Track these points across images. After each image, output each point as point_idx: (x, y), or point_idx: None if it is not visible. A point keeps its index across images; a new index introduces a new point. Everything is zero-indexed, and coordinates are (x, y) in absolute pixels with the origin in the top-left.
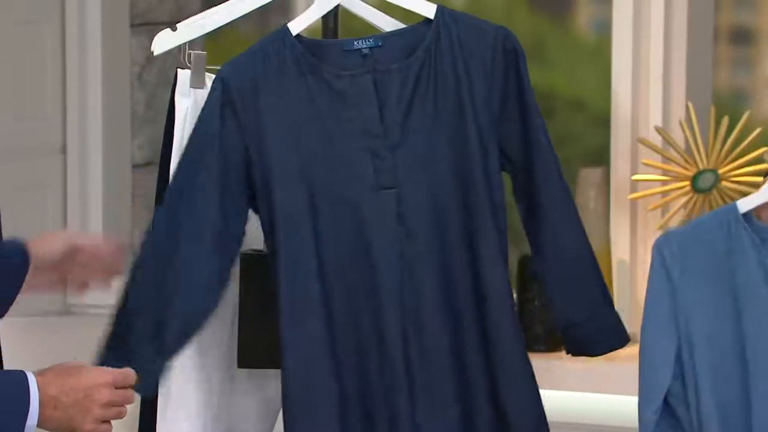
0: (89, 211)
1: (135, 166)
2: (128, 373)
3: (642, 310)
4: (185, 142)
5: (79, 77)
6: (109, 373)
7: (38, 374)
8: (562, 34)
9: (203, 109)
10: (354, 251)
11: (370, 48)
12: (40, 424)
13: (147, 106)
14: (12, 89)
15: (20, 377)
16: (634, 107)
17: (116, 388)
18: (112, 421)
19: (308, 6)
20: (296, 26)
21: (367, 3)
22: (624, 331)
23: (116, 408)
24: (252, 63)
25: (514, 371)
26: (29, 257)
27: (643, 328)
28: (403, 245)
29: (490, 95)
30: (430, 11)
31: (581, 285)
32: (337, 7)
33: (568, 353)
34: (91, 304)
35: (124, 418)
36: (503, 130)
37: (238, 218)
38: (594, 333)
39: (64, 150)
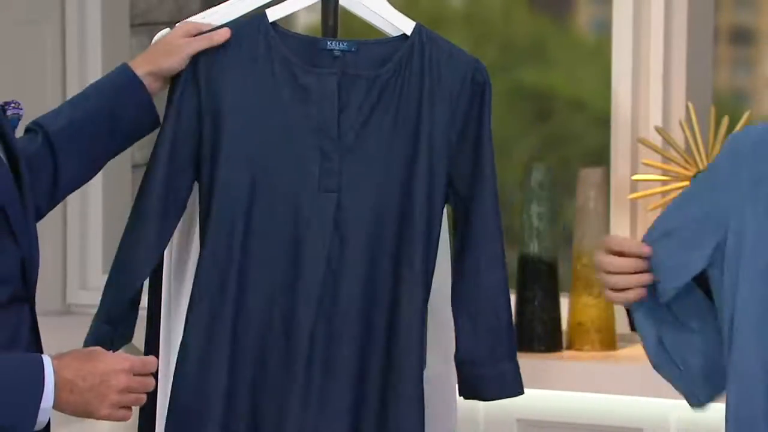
0: (89, 212)
1: (134, 166)
2: (147, 361)
3: None
4: None
5: (79, 77)
6: (128, 360)
7: (55, 357)
8: (562, 34)
9: (174, 80)
10: (282, 247)
11: (342, 51)
12: (55, 407)
13: None
14: (11, 89)
15: (36, 360)
16: (634, 107)
17: (135, 374)
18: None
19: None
20: (274, 13)
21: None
22: (520, 383)
23: (134, 395)
24: (225, 41)
25: (407, 396)
26: (143, 85)
27: (686, 200)
28: (333, 251)
29: (450, 122)
30: (408, 27)
31: (490, 327)
32: (336, 6)
33: (460, 394)
34: (92, 304)
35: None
36: (456, 160)
37: (182, 187)
38: (491, 377)
39: None
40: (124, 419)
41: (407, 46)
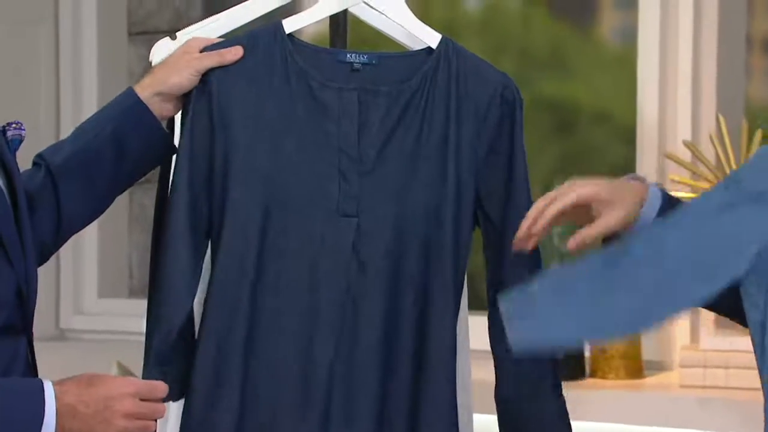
0: (83, 233)
1: None
2: (155, 386)
3: (667, 334)
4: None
5: (74, 89)
6: (133, 384)
7: (57, 383)
8: (584, 42)
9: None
10: (298, 273)
11: (362, 64)
12: None
13: None
14: (3, 101)
15: (37, 385)
16: (661, 120)
17: (142, 399)
18: None
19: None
20: (290, 25)
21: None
22: (568, 423)
23: (142, 421)
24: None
25: None
26: (149, 110)
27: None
28: (352, 277)
29: (478, 140)
30: (433, 40)
31: (533, 360)
32: (346, 15)
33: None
34: (86, 329)
35: None
36: (486, 183)
37: (205, 210)
38: (534, 414)
39: None
40: None
41: (433, 60)
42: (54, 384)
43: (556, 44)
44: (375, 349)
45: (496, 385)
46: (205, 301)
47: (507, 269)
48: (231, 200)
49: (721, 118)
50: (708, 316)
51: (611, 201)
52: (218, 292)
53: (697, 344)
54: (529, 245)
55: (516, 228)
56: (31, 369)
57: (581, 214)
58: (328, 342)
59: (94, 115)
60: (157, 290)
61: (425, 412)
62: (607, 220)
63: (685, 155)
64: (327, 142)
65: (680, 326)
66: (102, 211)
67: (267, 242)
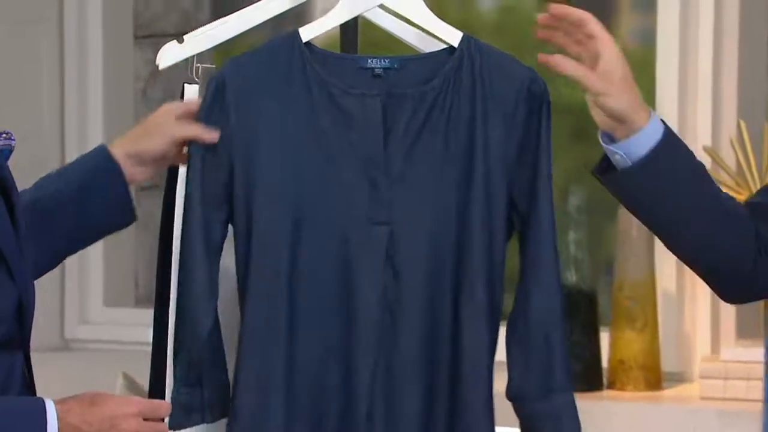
0: None
1: (138, 189)
2: (159, 405)
3: (688, 344)
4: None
5: (78, 93)
6: (137, 404)
7: (59, 402)
8: None
9: (199, 108)
10: (332, 287)
11: (384, 69)
12: None
13: None
14: (5, 106)
15: (39, 405)
16: (681, 125)
17: (144, 419)
18: None
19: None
20: (308, 33)
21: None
22: (577, 422)
23: None
24: (255, 64)
25: None
26: (119, 169)
27: None
28: (387, 288)
29: (507, 139)
30: (455, 39)
31: (542, 359)
32: (357, 19)
33: None
34: (92, 339)
35: None
36: (516, 179)
37: (218, 229)
38: (544, 413)
39: None
40: None
41: (455, 60)
42: (56, 403)
43: None
44: (415, 359)
45: (508, 384)
46: (242, 324)
47: (526, 269)
48: (257, 220)
49: (742, 123)
50: (729, 327)
51: (619, 82)
52: (254, 314)
53: (718, 355)
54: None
55: (537, 225)
56: (28, 384)
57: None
58: (367, 354)
59: (62, 167)
60: (180, 311)
61: (463, 426)
62: (588, 78)
63: (706, 161)
64: (352, 150)
65: (700, 337)
66: (53, 266)
67: (299, 260)
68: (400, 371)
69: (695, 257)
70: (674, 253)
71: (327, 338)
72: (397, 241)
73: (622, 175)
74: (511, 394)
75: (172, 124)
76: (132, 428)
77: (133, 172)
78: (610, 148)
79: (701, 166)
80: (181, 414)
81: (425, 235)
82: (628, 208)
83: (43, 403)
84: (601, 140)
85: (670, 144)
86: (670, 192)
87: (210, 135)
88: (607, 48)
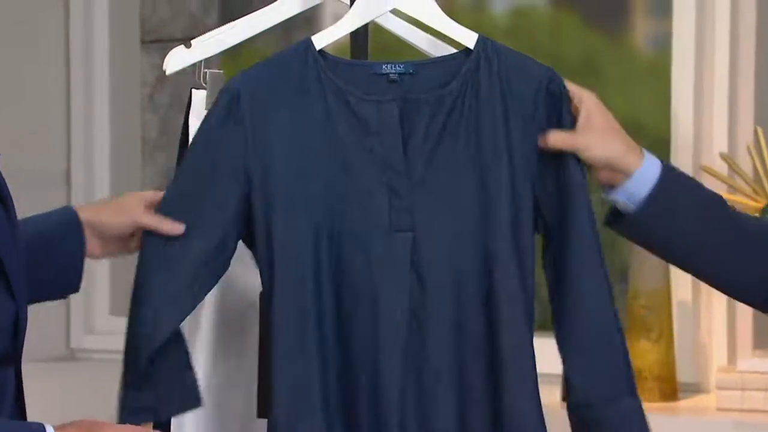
0: None
1: None
2: None
3: (704, 354)
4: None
5: (84, 99)
6: (134, 431)
7: (58, 428)
8: (616, 50)
9: (205, 120)
10: (357, 298)
11: (399, 74)
12: None
13: (159, 131)
14: (9, 113)
15: (38, 430)
16: (697, 131)
17: None
18: None
19: (336, 20)
20: (321, 40)
21: (402, 19)
22: (646, 424)
23: None
24: (269, 75)
25: None
26: (82, 235)
27: None
28: (413, 296)
29: (528, 139)
30: (470, 40)
31: (607, 361)
32: (367, 24)
33: None
34: (98, 349)
35: None
36: (541, 182)
37: (227, 247)
38: (612, 418)
39: (67, 180)
40: None
41: (472, 62)
42: (56, 429)
43: (587, 52)
44: (446, 367)
45: (567, 393)
46: (273, 340)
47: (573, 271)
48: (277, 237)
49: (759, 129)
50: (745, 337)
51: (601, 133)
52: (284, 330)
53: (735, 366)
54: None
55: (577, 227)
56: (19, 399)
57: None
58: (394, 364)
59: (25, 218)
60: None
61: (509, 421)
62: (568, 140)
63: (722, 168)
64: (371, 158)
65: (717, 347)
66: None
67: (323, 276)
68: (431, 380)
69: (721, 284)
70: (704, 281)
71: (357, 352)
72: (421, 248)
73: (629, 220)
74: (574, 401)
75: (139, 209)
76: None
77: (90, 244)
78: (611, 196)
79: (711, 195)
80: (127, 415)
81: (449, 241)
82: (647, 249)
83: (44, 429)
84: (602, 192)
85: (670, 179)
86: (679, 227)
87: (169, 226)
88: (584, 102)
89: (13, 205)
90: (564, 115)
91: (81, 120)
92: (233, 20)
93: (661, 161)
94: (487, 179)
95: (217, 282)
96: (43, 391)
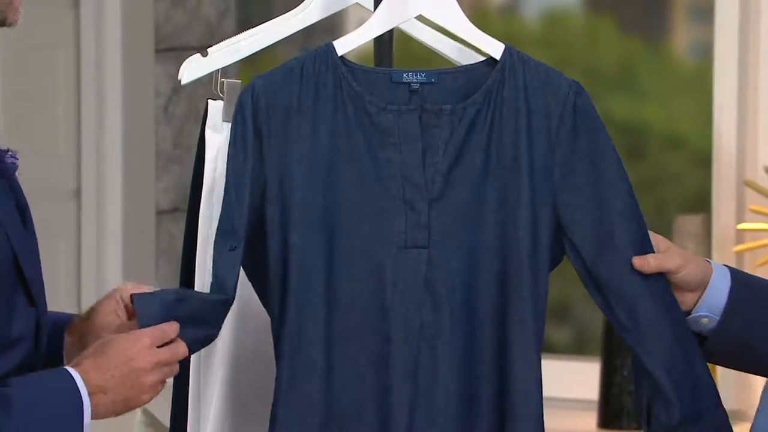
0: (106, 264)
1: (159, 213)
2: (166, 328)
3: (747, 381)
4: (217, 183)
5: (96, 110)
6: (144, 335)
7: (75, 365)
8: (656, 60)
9: (233, 132)
10: (368, 315)
11: (420, 83)
12: (95, 417)
13: (173, 143)
14: (20, 124)
15: (69, 383)
16: (740, 144)
17: (158, 346)
18: None
19: (359, 26)
20: (343, 46)
21: (429, 26)
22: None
23: (167, 367)
24: (288, 81)
25: None
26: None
27: None
28: (425, 315)
29: (551, 160)
30: (497, 50)
31: (693, 376)
32: (392, 31)
33: None
34: None
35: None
36: (568, 205)
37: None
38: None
39: (78, 194)
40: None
41: (497, 73)
42: (77, 370)
43: (624, 60)
44: (455, 396)
45: (647, 417)
46: (279, 355)
47: (637, 291)
48: (292, 250)
49: None
50: None
51: (678, 250)
52: (291, 346)
53: None
54: None
55: (614, 258)
56: None
57: None
58: (404, 388)
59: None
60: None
61: None
62: (663, 260)
63: (766, 182)
64: (389, 170)
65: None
66: None
67: (334, 290)
68: (441, 401)
69: None
70: None
71: (366, 372)
72: (436, 265)
73: (715, 335)
74: (671, 424)
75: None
76: (150, 362)
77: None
78: (696, 315)
79: None
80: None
81: (466, 260)
82: (734, 364)
83: (71, 376)
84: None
85: (740, 276)
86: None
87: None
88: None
89: (30, 215)
90: (597, 132)
91: (92, 132)
92: (251, 27)
93: (711, 262)
94: (506, 197)
95: None
96: None
